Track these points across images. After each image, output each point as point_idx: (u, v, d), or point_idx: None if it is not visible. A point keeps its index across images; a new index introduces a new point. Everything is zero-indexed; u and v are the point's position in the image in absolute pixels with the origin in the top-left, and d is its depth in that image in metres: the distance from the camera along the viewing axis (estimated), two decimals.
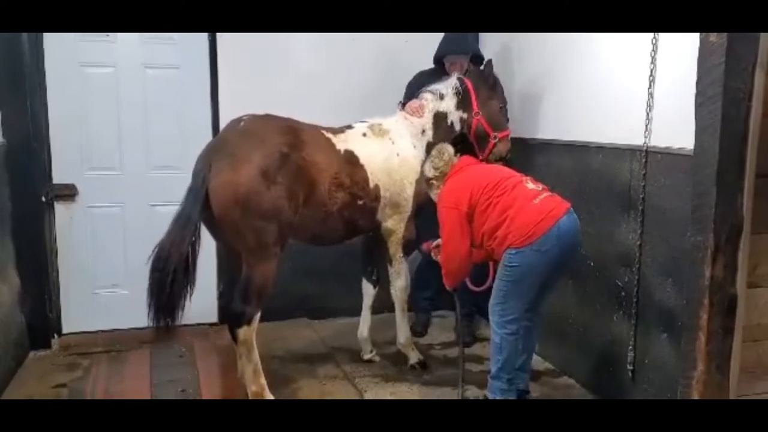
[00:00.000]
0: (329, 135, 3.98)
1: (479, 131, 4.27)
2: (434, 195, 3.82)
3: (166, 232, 3.53)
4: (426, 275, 4.88)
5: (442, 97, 4.27)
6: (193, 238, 3.54)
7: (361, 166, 3.98)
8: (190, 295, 3.60)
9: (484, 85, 4.28)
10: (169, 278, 3.45)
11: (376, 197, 4.04)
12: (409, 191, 4.11)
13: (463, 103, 4.26)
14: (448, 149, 3.85)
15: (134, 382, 4.20)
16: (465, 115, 4.27)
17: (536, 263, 3.36)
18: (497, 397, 3.59)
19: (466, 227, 3.52)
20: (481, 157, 4.24)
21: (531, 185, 3.54)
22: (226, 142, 3.67)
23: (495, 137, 4.26)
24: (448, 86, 4.28)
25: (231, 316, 3.71)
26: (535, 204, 3.40)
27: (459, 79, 4.29)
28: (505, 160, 4.33)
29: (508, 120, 4.44)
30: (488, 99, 4.28)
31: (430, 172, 3.81)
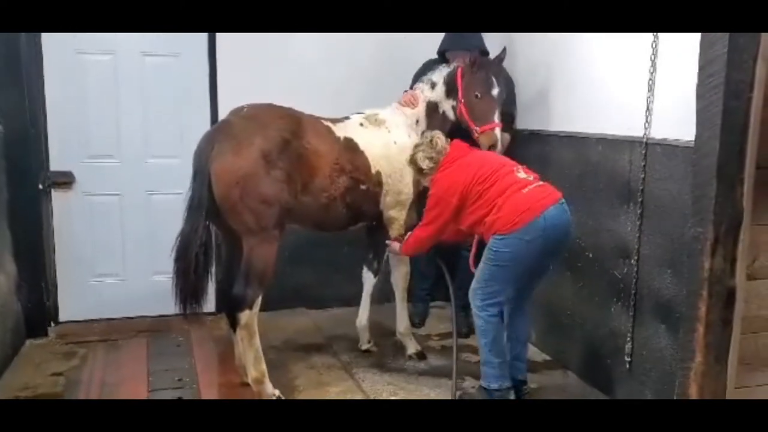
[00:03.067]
0: (328, 124, 4.02)
1: (462, 121, 4.13)
2: (426, 181, 3.89)
3: (183, 221, 3.61)
4: (424, 266, 4.90)
5: (433, 86, 4.24)
6: (207, 222, 3.61)
7: (361, 152, 4.02)
8: (213, 278, 3.75)
9: (469, 73, 4.13)
10: (192, 265, 3.56)
11: (379, 183, 4.07)
12: (409, 179, 4.11)
13: (452, 91, 4.18)
14: (440, 138, 3.87)
15: (131, 371, 4.20)
16: (455, 104, 4.19)
17: (520, 251, 3.42)
18: (491, 384, 3.61)
19: (450, 217, 3.65)
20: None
21: (522, 174, 3.59)
22: (229, 125, 3.72)
23: (476, 130, 4.04)
24: (440, 75, 4.25)
25: (232, 300, 3.72)
26: (524, 193, 3.45)
27: (454, 67, 4.22)
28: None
29: (496, 112, 4.08)
30: (468, 87, 4.09)
31: (424, 163, 3.82)
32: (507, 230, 3.40)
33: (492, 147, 4.03)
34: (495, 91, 4.08)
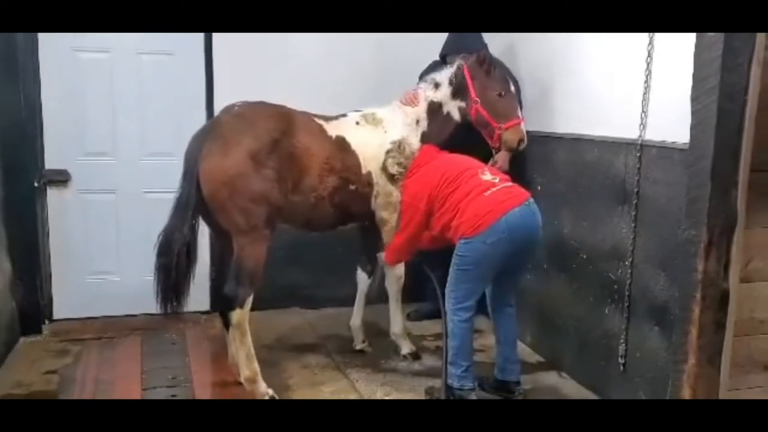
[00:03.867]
0: (321, 122, 4.01)
1: (480, 120, 4.09)
2: (398, 188, 3.98)
3: (169, 218, 3.62)
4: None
5: (437, 86, 4.19)
6: (193, 221, 3.62)
7: (353, 152, 3.99)
8: (193, 277, 3.73)
9: (479, 72, 4.09)
10: (174, 262, 3.56)
11: (369, 184, 4.04)
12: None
13: (459, 92, 4.14)
14: (410, 144, 4.03)
15: (125, 369, 4.19)
16: (463, 104, 4.14)
17: (484, 254, 3.46)
18: (454, 384, 3.64)
19: (421, 222, 3.72)
20: (491, 143, 4.12)
21: (487, 176, 3.61)
22: (218, 125, 3.72)
23: (500, 127, 4.03)
24: (444, 75, 4.20)
25: (224, 299, 3.73)
26: (485, 196, 3.49)
27: (458, 67, 4.17)
28: (516, 152, 4.16)
29: (518, 108, 4.14)
30: (485, 87, 4.07)
31: (393, 169, 3.96)
32: (470, 234, 3.44)
33: (520, 142, 4.06)
34: (513, 88, 4.14)
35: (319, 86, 4.89)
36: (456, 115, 4.20)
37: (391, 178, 3.98)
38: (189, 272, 3.67)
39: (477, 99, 4.07)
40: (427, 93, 4.20)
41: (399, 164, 3.94)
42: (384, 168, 3.99)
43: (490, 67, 4.06)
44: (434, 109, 4.20)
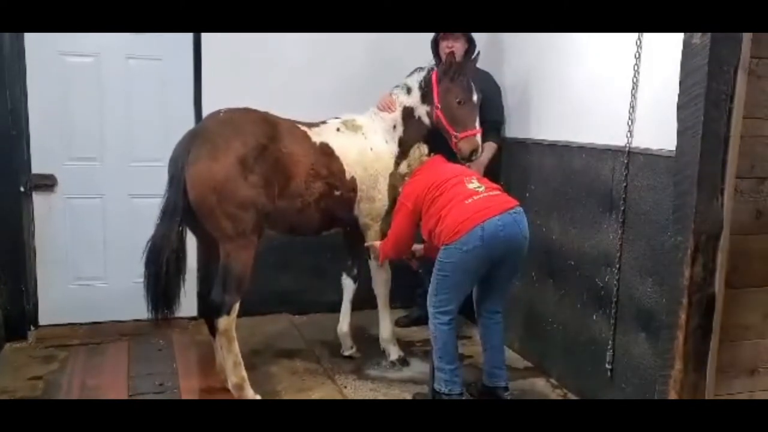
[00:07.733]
0: (305, 128, 4.02)
1: (440, 125, 4.12)
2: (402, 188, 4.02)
3: (156, 225, 3.59)
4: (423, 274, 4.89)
5: (409, 91, 4.23)
6: (180, 228, 3.60)
7: (337, 158, 4.02)
8: (184, 283, 3.71)
9: (445, 77, 4.10)
10: (163, 269, 3.53)
11: (353, 189, 4.07)
12: (383, 185, 4.13)
13: (426, 96, 4.17)
14: (422, 148, 4.04)
15: (112, 375, 4.16)
16: (429, 109, 4.17)
17: (461, 261, 3.48)
18: (442, 389, 3.65)
19: (409, 222, 3.75)
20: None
21: (473, 184, 3.63)
22: (205, 130, 3.71)
23: (456, 136, 4.04)
24: (414, 80, 4.24)
25: (210, 306, 3.71)
26: (466, 204, 3.50)
27: (428, 71, 4.20)
28: (470, 161, 4.12)
29: (477, 119, 4.11)
30: (447, 93, 4.08)
31: (404, 169, 4.02)
32: (449, 240, 3.47)
33: (474, 152, 4.06)
34: (476, 98, 4.11)
35: (307, 91, 4.88)
36: (426, 120, 4.22)
37: (402, 178, 4.00)
38: (179, 279, 3.65)
39: (438, 104, 4.10)
40: (401, 98, 4.24)
41: (409, 165, 3.98)
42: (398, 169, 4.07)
43: (456, 74, 4.07)
44: (408, 114, 4.24)
